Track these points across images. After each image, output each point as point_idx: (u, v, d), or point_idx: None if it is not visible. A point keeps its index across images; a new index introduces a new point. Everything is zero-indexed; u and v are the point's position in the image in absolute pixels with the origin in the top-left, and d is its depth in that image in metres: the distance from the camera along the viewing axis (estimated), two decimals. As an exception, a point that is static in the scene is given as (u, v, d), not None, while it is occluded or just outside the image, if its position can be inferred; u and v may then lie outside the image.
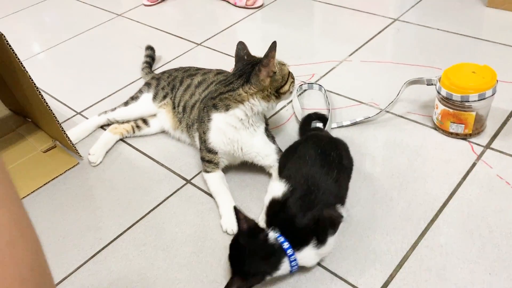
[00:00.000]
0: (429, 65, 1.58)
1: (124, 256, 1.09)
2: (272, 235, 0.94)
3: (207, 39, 1.93)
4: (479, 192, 1.13)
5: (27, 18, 2.37)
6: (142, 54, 1.77)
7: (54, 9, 2.45)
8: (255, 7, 2.11)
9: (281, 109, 1.49)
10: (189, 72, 1.44)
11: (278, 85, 1.14)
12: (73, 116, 1.58)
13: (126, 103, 1.45)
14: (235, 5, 2.15)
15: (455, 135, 1.28)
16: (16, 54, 1.16)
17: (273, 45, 1.09)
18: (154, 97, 1.41)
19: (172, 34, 2.01)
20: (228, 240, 0.99)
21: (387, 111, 1.40)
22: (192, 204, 1.20)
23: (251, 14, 2.08)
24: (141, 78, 1.71)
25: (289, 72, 1.18)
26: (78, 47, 2.03)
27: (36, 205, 1.26)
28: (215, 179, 1.22)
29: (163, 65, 1.80)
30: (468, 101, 1.20)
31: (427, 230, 1.06)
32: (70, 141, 1.33)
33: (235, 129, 1.16)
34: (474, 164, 1.20)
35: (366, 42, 1.76)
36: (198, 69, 1.46)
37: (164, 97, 1.40)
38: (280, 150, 1.22)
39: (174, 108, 1.38)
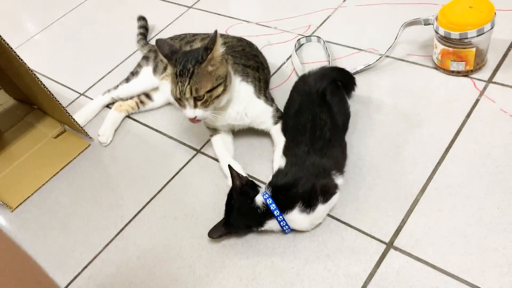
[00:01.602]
0: (425, 1, 1.54)
1: (148, 230, 1.15)
2: (260, 198, 1.00)
3: (198, 1, 1.90)
4: (484, 129, 1.14)
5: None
6: (136, 25, 1.76)
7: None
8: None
9: (281, 66, 1.48)
10: (186, 39, 1.43)
11: None
12: (77, 98, 1.60)
13: (127, 80, 1.46)
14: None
15: (457, 73, 1.28)
16: (10, 47, 1.17)
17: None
18: (155, 70, 1.42)
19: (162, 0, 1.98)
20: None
21: (387, 56, 1.39)
22: (205, 173, 1.24)
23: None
24: (138, 50, 1.70)
25: None
26: (72, 24, 2.01)
27: (56, 191, 1.31)
28: (219, 144, 1.25)
29: (157, 33, 1.78)
30: (467, 38, 1.18)
31: (435, 172, 1.08)
32: (78, 124, 1.36)
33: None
34: (477, 101, 1.21)
35: (360, -16, 1.72)
36: (194, 34, 1.45)
37: (165, 68, 1.40)
38: (279, 110, 1.23)
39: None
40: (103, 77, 1.65)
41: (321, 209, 1.00)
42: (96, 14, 2.04)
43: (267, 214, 0.99)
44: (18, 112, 1.57)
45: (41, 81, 1.24)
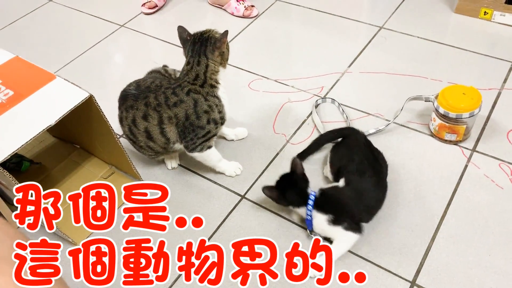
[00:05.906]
0: (416, 74, 1.89)
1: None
2: (309, 189, 1.36)
3: (217, 52, 2.12)
4: (473, 190, 1.48)
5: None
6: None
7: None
8: (252, 17, 2.30)
9: (303, 123, 1.75)
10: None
11: (227, 57, 1.47)
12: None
13: None
14: (232, 15, 2.33)
15: (449, 142, 1.62)
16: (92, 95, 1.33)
17: (226, 33, 1.38)
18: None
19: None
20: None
21: (394, 122, 1.71)
22: (252, 217, 1.47)
23: (249, 24, 2.28)
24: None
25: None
26: (92, 63, 2.15)
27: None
28: (216, 151, 1.53)
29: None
30: (461, 118, 1.53)
31: (441, 224, 1.40)
32: (134, 166, 1.53)
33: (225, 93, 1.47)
34: (466, 166, 1.55)
35: (361, 51, 2.04)
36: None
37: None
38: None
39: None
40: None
41: (336, 231, 1.31)
42: (117, 55, 2.18)
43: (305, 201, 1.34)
44: (62, 150, 1.69)
45: (110, 125, 1.39)
